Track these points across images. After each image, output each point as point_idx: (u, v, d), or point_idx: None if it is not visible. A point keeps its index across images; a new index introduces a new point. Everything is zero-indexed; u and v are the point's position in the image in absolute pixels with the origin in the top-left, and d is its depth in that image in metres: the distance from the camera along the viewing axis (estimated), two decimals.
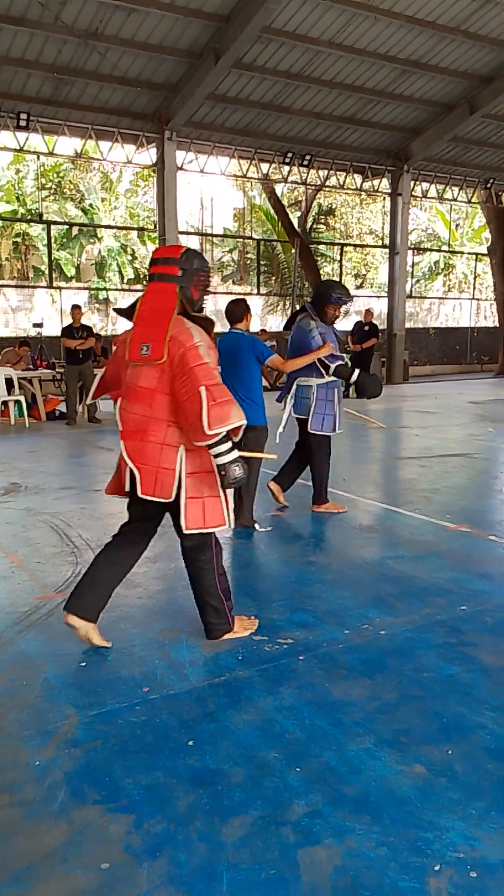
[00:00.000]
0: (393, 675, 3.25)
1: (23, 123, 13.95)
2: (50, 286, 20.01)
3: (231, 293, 28.26)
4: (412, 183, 19.39)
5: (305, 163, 17.36)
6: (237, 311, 5.50)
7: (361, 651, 3.48)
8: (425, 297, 31.23)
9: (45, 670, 3.30)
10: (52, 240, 22.16)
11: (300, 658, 3.39)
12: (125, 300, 27.10)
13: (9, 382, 11.12)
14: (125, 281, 27.32)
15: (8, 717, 2.91)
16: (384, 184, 19.53)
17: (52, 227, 22.92)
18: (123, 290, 27.00)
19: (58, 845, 2.19)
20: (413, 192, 19.85)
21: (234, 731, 2.80)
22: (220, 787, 2.46)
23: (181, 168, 16.23)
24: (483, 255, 26.21)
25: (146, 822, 2.29)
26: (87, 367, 11.42)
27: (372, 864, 2.11)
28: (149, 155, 16.04)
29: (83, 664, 3.35)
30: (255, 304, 27.84)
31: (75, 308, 11.79)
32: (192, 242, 28.25)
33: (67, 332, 11.47)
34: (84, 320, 11.62)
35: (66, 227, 25.44)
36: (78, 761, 2.62)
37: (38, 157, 19.22)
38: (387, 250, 20.34)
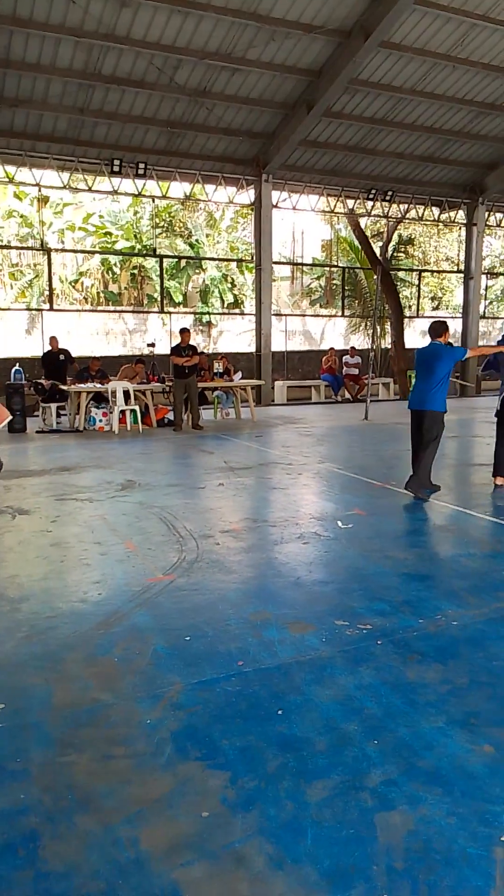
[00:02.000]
0: (464, 661, 3.17)
1: (141, 171, 14.35)
2: (161, 311, 20.49)
3: (318, 315, 28.20)
4: (486, 213, 18.81)
5: (388, 198, 17.13)
6: (439, 328, 6.37)
7: (434, 639, 3.41)
8: (497, 318, 30.21)
9: (154, 642, 3.38)
10: (164, 271, 22.69)
11: (378, 642, 3.35)
12: (225, 322, 27.52)
13: (126, 394, 11.45)
14: (225, 305, 27.68)
15: (123, 682, 3.00)
16: (460, 215, 19.03)
17: (164, 260, 23.49)
18: (224, 313, 27.36)
19: (164, 794, 2.25)
20: (487, 222, 19.26)
21: (318, 704, 2.80)
22: (305, 753, 2.46)
23: (276, 206, 16.31)
24: None
25: (240, 778, 2.32)
26: (192, 380, 11.62)
27: (442, 830, 2.06)
28: (248, 195, 16.21)
29: (187, 638, 3.41)
30: (340, 325, 27.67)
31: (183, 331, 12.02)
32: (285, 271, 28.39)
33: (176, 350, 11.70)
34: (190, 341, 11.81)
35: (176, 259, 26.01)
36: (182, 722, 2.67)
37: (153, 200, 19.72)
38: (462, 275, 19.81)
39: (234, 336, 25.99)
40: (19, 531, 5.37)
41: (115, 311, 24.89)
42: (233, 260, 27.33)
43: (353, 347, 18.75)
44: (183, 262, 26.65)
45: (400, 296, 22.31)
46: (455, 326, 19.21)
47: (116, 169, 14.10)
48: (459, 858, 1.96)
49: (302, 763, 2.40)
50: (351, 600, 3.94)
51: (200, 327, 27.56)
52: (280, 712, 2.72)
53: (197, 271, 27.81)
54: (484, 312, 25.12)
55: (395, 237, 22.68)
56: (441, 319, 6.72)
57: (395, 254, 26.20)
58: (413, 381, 6.55)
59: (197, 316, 27.10)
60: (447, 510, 6.13)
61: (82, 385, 11.76)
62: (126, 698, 2.86)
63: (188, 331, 11.82)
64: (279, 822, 2.11)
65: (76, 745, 2.52)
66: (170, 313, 22.97)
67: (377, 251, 19.45)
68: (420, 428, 6.32)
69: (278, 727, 2.63)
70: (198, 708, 2.77)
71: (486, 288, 27.47)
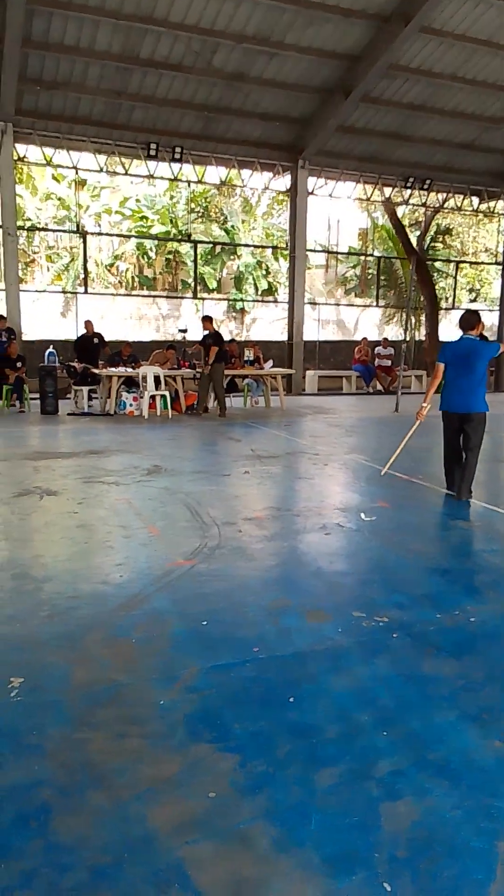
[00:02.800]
0: (480, 657, 3.16)
1: (177, 156, 14.35)
2: (195, 297, 20.55)
3: (352, 305, 27.97)
4: None
5: (426, 187, 16.88)
6: (472, 320, 6.05)
7: (452, 633, 3.41)
8: None
9: (173, 626, 3.43)
10: (198, 256, 22.72)
11: (394, 635, 3.36)
12: (259, 310, 27.45)
13: (157, 380, 11.54)
14: (259, 293, 27.61)
15: (141, 663, 3.06)
16: (500, 205, 18.67)
17: (199, 245, 23.51)
18: (257, 300, 27.31)
19: (175, 774, 2.30)
20: None
21: (332, 693, 2.82)
22: (315, 741, 2.49)
23: (311, 193, 16.19)
24: None
25: (250, 762, 2.36)
26: (218, 368, 11.58)
27: (447, 823, 2.08)
28: (284, 181, 16.12)
29: (204, 623, 3.46)
30: (374, 315, 27.41)
31: (204, 318, 12.00)
32: (319, 259, 28.16)
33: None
34: (223, 328, 11.83)
35: (211, 245, 26.01)
36: (195, 705, 2.72)
37: (189, 185, 19.73)
38: (500, 267, 19.46)
39: (267, 324, 25.94)
40: (46, 512, 5.48)
41: (148, 296, 25.01)
42: (267, 247, 27.24)
43: (385, 339, 18.62)
44: (217, 248, 26.63)
45: (436, 287, 22.04)
46: (492, 319, 18.93)
47: (153, 153, 14.12)
48: (463, 851, 1.97)
49: (312, 750, 2.43)
50: (370, 592, 3.95)
51: (234, 314, 27.57)
52: (292, 700, 2.75)
53: (231, 257, 27.77)
54: None
55: (432, 227, 22.36)
56: (474, 310, 6.44)
57: (432, 244, 25.85)
58: (445, 379, 6.09)
59: (230, 302, 27.09)
60: (474, 506, 6.08)
61: (114, 369, 11.88)
62: (142, 679, 2.92)
63: (209, 318, 11.80)
64: (286, 806, 2.15)
65: (92, 723, 2.58)
66: (203, 299, 23.02)
67: (414, 241, 19.22)
68: (462, 431, 6.01)
69: (290, 714, 2.66)
70: (212, 691, 2.82)
71: None
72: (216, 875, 1.87)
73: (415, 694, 2.82)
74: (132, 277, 26.50)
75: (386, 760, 2.37)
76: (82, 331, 13.21)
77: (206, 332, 11.62)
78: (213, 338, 11.63)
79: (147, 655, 3.13)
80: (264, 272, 27.93)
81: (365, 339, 18.16)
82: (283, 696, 2.78)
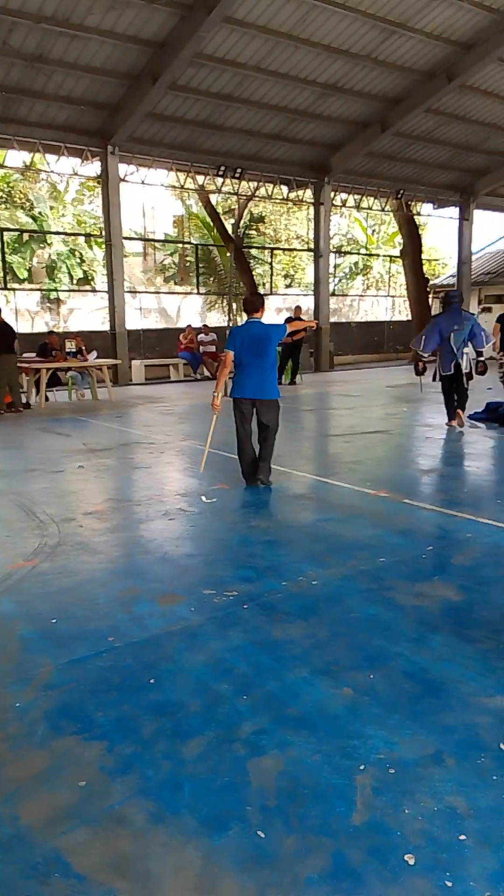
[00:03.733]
0: (324, 617, 3.42)
1: None
2: (4, 288, 19.50)
3: (173, 292, 28.08)
4: (333, 193, 19.56)
5: (237, 175, 17.33)
6: (257, 303, 5.95)
7: (297, 599, 3.64)
8: (347, 295, 31.65)
9: (21, 628, 3.34)
10: (5, 245, 21.56)
11: (244, 606, 3.52)
12: (76, 300, 26.66)
13: None
14: (75, 282, 26.83)
15: None
16: (308, 194, 19.65)
17: (5, 233, 22.34)
18: (73, 290, 26.53)
19: (41, 770, 2.28)
20: (334, 202, 20.04)
21: (190, 669, 2.92)
22: (179, 716, 2.58)
23: (123, 180, 16.01)
24: (396, 257, 26.65)
25: (117, 746, 2.39)
26: (6, 359, 11.05)
27: (310, 768, 2.26)
28: (93, 167, 15.78)
29: (54, 621, 3.40)
30: (196, 302, 27.74)
31: None
32: (136, 247, 27.93)
33: None
34: (38, 319, 11.38)
35: (18, 233, 24.81)
36: (55, 701, 2.69)
37: None
38: (312, 253, 20.52)
39: (85, 314, 25.30)
40: None
41: None
42: (80, 234, 26.53)
43: (205, 325, 18.93)
44: (26, 236, 25.47)
45: (254, 273, 22.75)
46: (308, 303, 19.94)
47: None
48: (325, 790, 2.16)
49: (176, 725, 2.51)
50: (218, 570, 4.09)
51: (48, 304, 26.57)
52: (152, 681, 2.81)
53: (42, 246, 26.70)
54: (334, 290, 26.26)
55: (246, 214, 23.02)
56: (257, 293, 6.50)
57: (247, 231, 26.63)
58: (237, 365, 5.90)
59: (44, 293, 26.08)
60: (306, 479, 6.46)
61: None
62: None
63: None
64: (157, 781, 2.21)
65: None
66: (13, 290, 21.92)
67: (229, 228, 19.68)
68: (257, 417, 5.93)
69: (152, 695, 2.72)
70: (70, 686, 2.80)
71: (336, 266, 28.69)
72: (96, 857, 1.90)
73: (269, 658, 2.99)
74: None
75: (249, 722, 2.52)
76: None
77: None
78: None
79: None
80: (79, 260, 27.18)
81: (189, 326, 18.35)
82: (142, 680, 2.83)
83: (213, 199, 21.70)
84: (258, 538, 4.71)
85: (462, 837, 1.96)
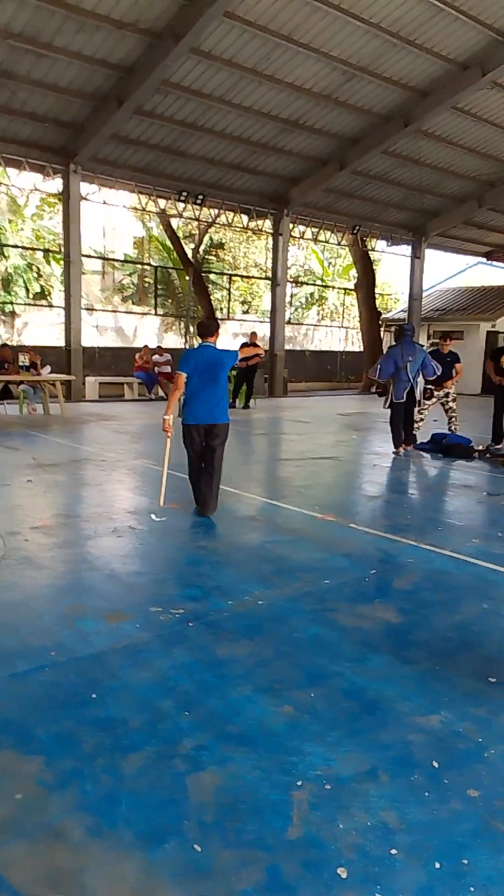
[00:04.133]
0: (269, 636, 3.45)
1: None
2: None
3: (130, 312, 28.02)
4: (291, 225, 19.93)
5: (199, 201, 17.51)
6: (211, 327, 5.91)
7: (243, 618, 3.66)
8: (302, 324, 32.15)
9: None
10: None
11: (190, 624, 3.53)
12: (31, 314, 26.36)
13: None
14: (31, 296, 26.54)
15: None
16: (267, 224, 19.99)
17: None
18: (28, 304, 26.25)
19: None
20: (292, 233, 20.41)
21: (134, 685, 2.91)
22: (120, 731, 2.57)
23: (84, 198, 16.01)
24: (350, 289, 27.25)
25: (56, 761, 2.37)
26: None
27: (248, 784, 2.28)
28: (54, 184, 15.75)
29: None
30: (153, 323, 27.73)
31: None
32: (95, 265, 27.83)
33: None
34: None
35: None
36: None
37: None
38: (269, 282, 20.82)
39: (40, 328, 25.03)
40: None
41: None
42: (39, 249, 26.32)
43: (159, 346, 18.93)
44: None
45: (211, 298, 22.91)
46: (264, 330, 20.18)
47: None
48: (263, 805, 2.18)
49: (117, 740, 2.50)
50: (165, 588, 4.09)
51: (2, 317, 26.21)
52: (94, 696, 2.79)
53: None
54: (290, 318, 26.66)
55: (206, 240, 23.23)
56: (212, 317, 6.55)
57: (206, 256, 26.86)
58: (189, 390, 5.78)
59: None
60: (256, 501, 6.51)
61: None
62: None
63: None
64: (96, 795, 2.20)
65: None
66: None
67: (189, 252, 19.81)
68: (205, 440, 5.77)
69: (93, 711, 2.70)
70: (10, 701, 2.76)
71: (292, 295, 29.17)
72: (31, 871, 1.88)
73: (212, 676, 3.01)
74: None
75: (189, 738, 2.52)
76: None
77: None
78: None
79: None
80: (36, 275, 26.93)
81: (146, 346, 18.34)
82: (85, 695, 2.81)
83: (174, 223, 21.88)
84: (206, 558, 4.73)
85: (393, 851, 2.00)
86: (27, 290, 26.36)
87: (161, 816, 2.11)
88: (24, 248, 25.69)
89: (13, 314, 25.85)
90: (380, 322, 23.88)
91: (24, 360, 12.70)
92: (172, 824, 2.08)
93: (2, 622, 3.51)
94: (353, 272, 26.09)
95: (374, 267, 24.61)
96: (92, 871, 1.89)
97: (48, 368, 13.21)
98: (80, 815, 2.10)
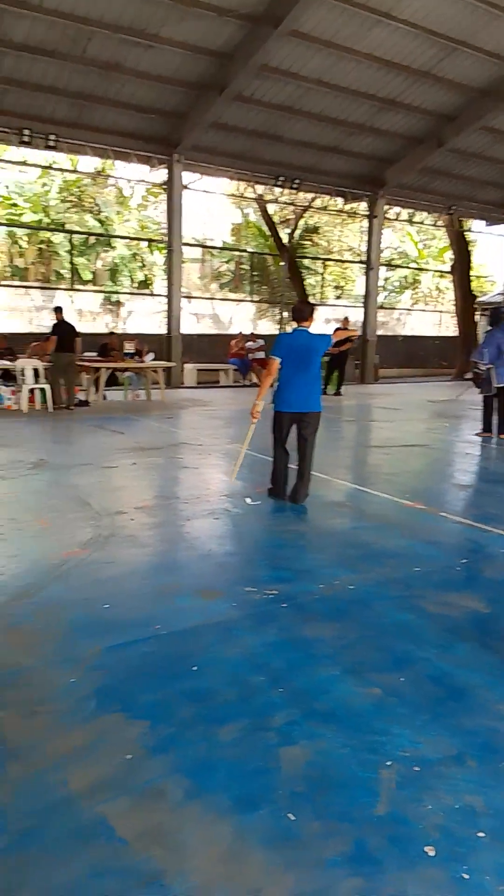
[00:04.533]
0: (356, 620, 3.49)
1: (51, 143, 13.90)
2: (71, 288, 19.99)
3: (227, 299, 28.30)
4: (386, 206, 19.51)
5: (294, 186, 17.44)
6: (307, 311, 5.68)
7: (330, 601, 3.72)
8: (395, 308, 31.43)
9: (73, 611, 3.51)
10: (73, 247, 22.13)
11: (282, 605, 3.63)
12: (134, 302, 27.12)
13: (35, 372, 11.24)
14: (135, 285, 27.29)
15: (43, 647, 3.13)
16: (362, 206, 19.65)
17: (73, 236, 22.90)
18: (133, 293, 26.99)
19: (88, 742, 2.42)
20: (386, 215, 19.96)
21: (227, 660, 3.04)
22: (216, 703, 2.70)
23: (186, 187, 16.28)
24: (445, 272, 26.39)
25: (157, 726, 2.52)
26: (57, 358, 11.24)
27: (337, 759, 2.35)
28: (159, 174, 16.08)
29: (106, 606, 3.56)
30: (248, 310, 27.90)
31: (55, 309, 11.80)
32: (195, 253, 28.24)
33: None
34: (99, 320, 11.71)
35: (85, 236, 25.37)
36: (101, 681, 2.84)
37: (63, 173, 19.13)
38: (363, 266, 20.50)
39: (143, 317, 25.72)
40: None
41: (21, 287, 24.03)
42: (143, 239, 26.96)
43: (252, 333, 19.04)
44: (92, 239, 26.02)
45: (305, 283, 22.78)
46: (357, 315, 19.92)
47: (26, 139, 13.61)
48: (351, 781, 2.25)
49: (213, 711, 2.63)
50: (257, 570, 4.21)
51: (109, 306, 27.08)
52: (195, 668, 2.94)
53: (106, 249, 27.23)
54: (382, 303, 26.15)
55: (301, 225, 23.08)
56: (307, 301, 6.38)
57: (300, 241, 26.69)
58: (281, 376, 5.62)
59: (105, 295, 26.58)
60: (345, 487, 6.52)
61: None
62: (46, 662, 2.99)
63: (57, 309, 11.62)
64: (194, 760, 2.34)
65: (1, 704, 2.64)
66: (78, 291, 22.47)
67: (284, 238, 19.78)
68: (297, 429, 5.68)
69: (191, 682, 2.85)
70: (115, 668, 2.95)
71: (386, 279, 28.56)
72: (135, 825, 2.03)
73: (301, 655, 3.09)
74: (2, 267, 25.33)
75: (280, 713, 2.62)
76: None
77: (55, 323, 11.40)
78: (53, 328, 11.33)
79: (49, 640, 3.20)
80: (140, 264, 27.63)
81: (241, 332, 18.53)
82: (182, 667, 2.96)
83: (271, 208, 21.87)
84: (296, 542, 4.81)
85: (480, 834, 2.03)
86: (131, 279, 27.10)
87: (255, 785, 2.22)
88: (130, 238, 26.36)
89: (118, 303, 26.66)
90: (475, 305, 23.03)
91: (129, 347, 13.14)
92: (265, 793, 2.18)
93: (110, 594, 3.73)
94: (449, 254, 25.25)
95: (470, 248, 23.69)
96: (189, 829, 2.03)
97: (151, 355, 13.62)
98: (179, 777, 2.25)
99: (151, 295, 25.60)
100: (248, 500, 5.76)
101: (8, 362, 11.52)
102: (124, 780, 2.22)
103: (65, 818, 2.04)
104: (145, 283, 27.59)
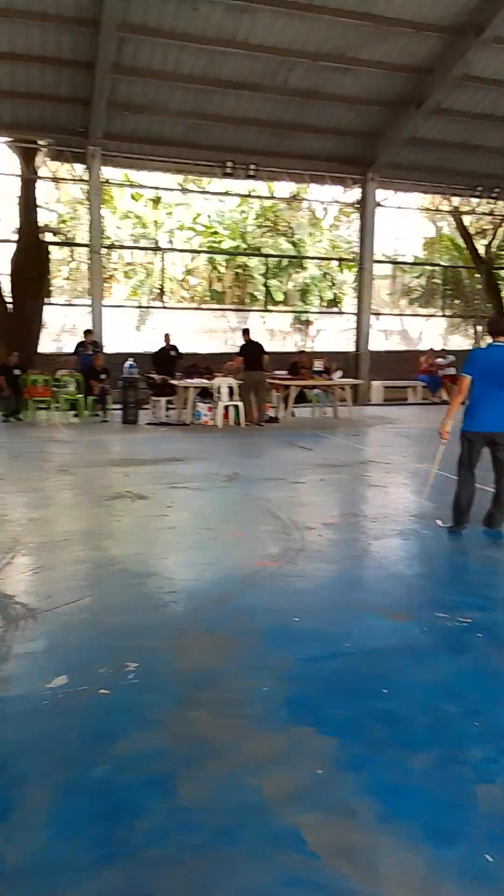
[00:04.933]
0: None
1: (251, 173, 14.63)
2: (265, 309, 20.78)
3: (416, 315, 27.70)
4: None
5: (494, 195, 16.68)
6: (503, 324, 5.25)
7: None
8: None
9: (266, 621, 3.62)
10: (267, 270, 23.01)
11: (478, 635, 3.46)
12: (323, 321, 27.53)
13: (230, 390, 11.81)
14: (324, 304, 27.69)
15: (237, 653, 3.26)
16: None
17: (268, 259, 23.80)
18: (322, 311, 27.40)
19: (281, 751, 2.48)
20: None
21: (420, 685, 2.96)
22: (407, 728, 2.64)
23: (379, 204, 16.25)
24: None
25: (348, 744, 2.52)
26: (247, 377, 11.70)
27: None
28: (352, 194, 16.22)
29: (296, 619, 3.64)
30: (438, 324, 27.06)
31: (244, 331, 12.41)
32: (385, 270, 28.03)
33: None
34: (289, 339, 12.12)
35: (279, 258, 26.27)
36: (293, 692, 2.90)
37: (261, 200, 20.02)
38: None
39: (331, 334, 25.99)
40: (139, 514, 5.77)
41: (220, 309, 25.44)
42: (334, 259, 27.32)
43: (442, 349, 18.36)
44: (285, 261, 26.87)
45: (502, 296, 21.64)
46: None
47: (229, 171, 14.45)
48: None
49: (405, 736, 2.58)
50: (449, 594, 4.05)
51: (298, 325, 27.74)
52: (386, 691, 2.90)
53: (297, 270, 27.97)
54: None
55: (499, 235, 22.00)
56: None
57: (498, 252, 25.39)
58: (473, 394, 5.21)
59: (296, 314, 27.27)
60: None
61: (190, 381, 12.24)
62: (240, 667, 3.12)
63: (245, 331, 12.28)
64: (386, 784, 2.30)
65: (200, 704, 2.80)
66: (270, 311, 23.29)
67: (481, 250, 18.99)
68: (492, 453, 5.23)
69: (381, 703, 2.81)
70: (306, 681, 2.99)
71: None
72: (328, 840, 2.04)
73: (500, 690, 2.92)
74: (203, 292, 27.02)
75: (477, 748, 2.50)
76: (159, 343, 13.62)
77: (242, 344, 11.90)
78: (241, 349, 11.85)
79: (242, 646, 3.33)
80: (329, 283, 27.99)
81: (431, 348, 18.01)
82: (373, 687, 2.93)
83: (466, 220, 21.11)
84: (490, 568, 4.57)
85: None
86: (320, 298, 27.57)
87: (449, 818, 2.14)
88: (322, 258, 26.87)
89: (308, 322, 27.22)
90: None
91: (318, 365, 13.36)
92: (461, 828, 2.09)
93: (300, 607, 3.80)
94: None
95: None
96: (383, 853, 2.00)
97: (339, 373, 13.71)
98: (371, 799, 2.22)
99: (340, 313, 25.80)
100: (439, 522, 5.56)
101: (206, 381, 12.23)
102: (316, 794, 2.24)
103: (260, 823, 2.11)
104: (334, 302, 27.87)
